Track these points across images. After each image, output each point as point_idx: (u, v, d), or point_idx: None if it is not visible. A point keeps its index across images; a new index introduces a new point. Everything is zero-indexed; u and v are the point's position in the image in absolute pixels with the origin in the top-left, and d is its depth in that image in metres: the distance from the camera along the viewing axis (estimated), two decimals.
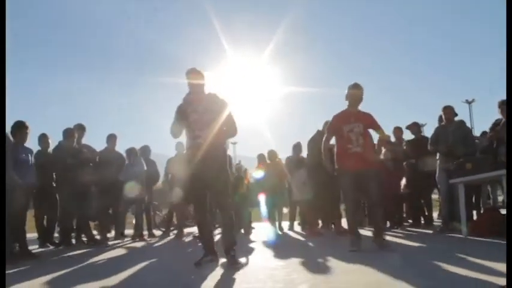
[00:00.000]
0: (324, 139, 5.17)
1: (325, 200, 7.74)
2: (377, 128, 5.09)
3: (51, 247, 7.16)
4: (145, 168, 8.36)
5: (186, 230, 8.81)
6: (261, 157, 9.76)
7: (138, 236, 7.99)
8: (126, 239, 8.01)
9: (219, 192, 4.19)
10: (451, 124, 6.74)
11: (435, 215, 8.82)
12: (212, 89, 4.36)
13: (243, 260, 4.42)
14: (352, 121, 4.89)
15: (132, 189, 7.74)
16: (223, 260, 4.21)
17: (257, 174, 6.19)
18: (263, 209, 8.85)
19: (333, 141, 5.21)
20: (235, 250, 4.16)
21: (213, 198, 4.38)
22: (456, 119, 6.88)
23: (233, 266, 3.95)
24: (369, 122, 5.00)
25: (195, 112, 4.16)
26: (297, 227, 9.37)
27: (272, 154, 9.39)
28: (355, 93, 4.96)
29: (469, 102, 38.85)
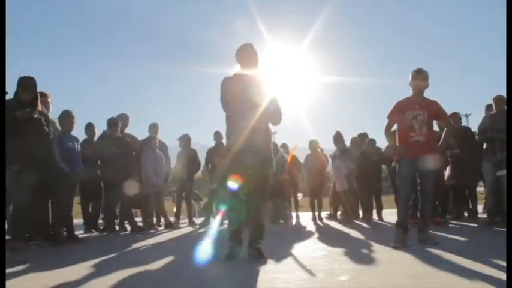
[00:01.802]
0: (385, 126, 4.85)
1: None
2: (443, 117, 4.84)
3: (96, 233, 7.39)
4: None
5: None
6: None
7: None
8: (160, 228, 8.09)
9: (258, 182, 3.93)
10: (501, 114, 6.49)
11: (480, 208, 8.56)
12: (258, 72, 4.04)
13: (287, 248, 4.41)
14: (416, 108, 4.61)
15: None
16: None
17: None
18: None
19: None
20: (260, 243, 3.92)
21: (250, 186, 3.95)
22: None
23: (259, 261, 3.72)
24: (435, 110, 4.71)
25: (245, 91, 3.86)
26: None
27: (314, 144, 9.30)
28: (416, 82, 4.67)
29: None
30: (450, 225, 6.83)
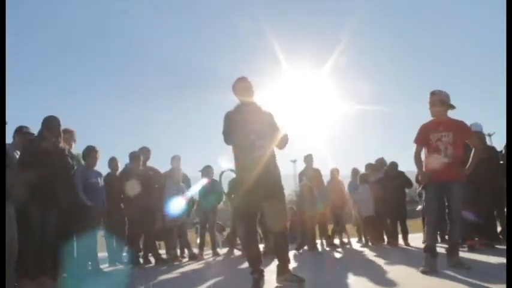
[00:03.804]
0: (414, 152, 4.77)
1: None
2: (469, 137, 4.72)
3: (121, 266, 7.40)
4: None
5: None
6: (317, 172, 9.55)
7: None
8: (184, 260, 8.05)
9: (275, 210, 3.97)
10: None
11: None
12: (257, 100, 4.20)
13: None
14: (440, 130, 4.53)
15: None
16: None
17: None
18: None
19: None
20: (288, 266, 3.96)
21: (268, 215, 4.04)
22: None
23: (298, 284, 3.76)
24: (461, 130, 4.60)
25: (251, 122, 3.97)
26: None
27: (334, 172, 9.62)
28: (432, 109, 4.61)
29: None
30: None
